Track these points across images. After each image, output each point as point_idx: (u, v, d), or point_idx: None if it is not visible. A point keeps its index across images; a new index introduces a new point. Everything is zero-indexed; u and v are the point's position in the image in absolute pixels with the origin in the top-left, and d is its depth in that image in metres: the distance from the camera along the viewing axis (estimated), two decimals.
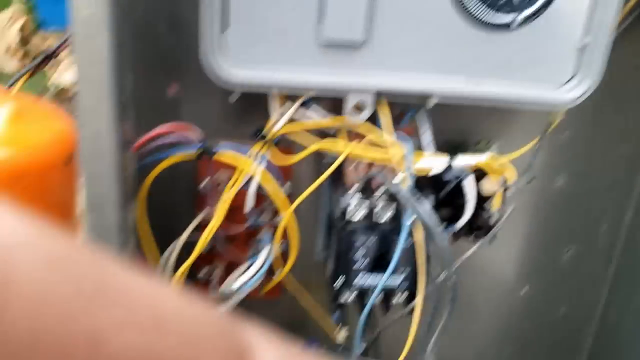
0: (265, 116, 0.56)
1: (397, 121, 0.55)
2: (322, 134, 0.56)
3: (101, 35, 0.39)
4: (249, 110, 0.58)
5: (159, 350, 0.08)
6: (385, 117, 0.52)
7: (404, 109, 0.55)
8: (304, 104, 0.53)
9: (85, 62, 0.40)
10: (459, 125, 0.61)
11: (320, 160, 0.58)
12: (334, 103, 0.55)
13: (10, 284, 0.07)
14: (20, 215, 0.07)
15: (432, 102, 0.50)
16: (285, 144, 0.55)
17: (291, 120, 0.53)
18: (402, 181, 0.51)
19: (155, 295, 0.08)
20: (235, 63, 0.48)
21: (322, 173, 0.57)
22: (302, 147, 0.56)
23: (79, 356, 0.07)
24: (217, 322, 0.08)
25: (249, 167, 0.52)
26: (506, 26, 0.49)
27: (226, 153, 0.52)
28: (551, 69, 0.51)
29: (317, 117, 0.53)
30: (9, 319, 0.07)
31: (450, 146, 0.61)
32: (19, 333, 0.07)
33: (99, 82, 0.40)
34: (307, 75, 0.49)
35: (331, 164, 0.54)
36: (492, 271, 0.68)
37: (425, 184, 0.55)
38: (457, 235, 0.57)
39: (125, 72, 0.43)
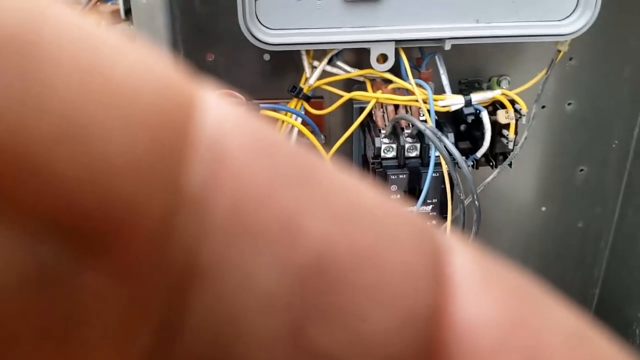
0: (296, 72, 0.62)
1: (416, 67, 0.61)
2: (346, 85, 0.62)
3: (158, 16, 0.45)
4: (280, 68, 0.64)
5: (353, 242, 0.08)
6: (406, 64, 0.57)
7: (422, 55, 0.60)
8: (330, 60, 0.59)
9: (147, 40, 0.46)
10: (471, 63, 0.66)
11: (346, 109, 0.64)
12: (356, 56, 0.61)
13: (220, 163, 0.07)
14: (229, 100, 0.08)
15: (448, 46, 0.56)
16: (314, 97, 0.62)
17: (321, 74, 0.59)
18: (426, 120, 0.57)
19: (355, 188, 0.08)
20: (268, 29, 0.54)
21: (351, 120, 0.63)
22: (330, 99, 0.62)
23: (272, 238, 0.07)
24: (414, 220, 0.08)
25: (289, 120, 0.59)
26: None
27: (269, 110, 0.58)
28: (553, 5, 0.56)
29: (343, 71, 0.59)
30: (212, 198, 0.07)
31: (465, 84, 0.67)
32: (219, 211, 0.07)
33: None
34: (333, 33, 0.55)
35: (361, 109, 0.60)
36: (512, 194, 0.75)
37: (444, 121, 0.61)
38: (478, 164, 0.64)
39: (178, 45, 0.49)
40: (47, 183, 0.06)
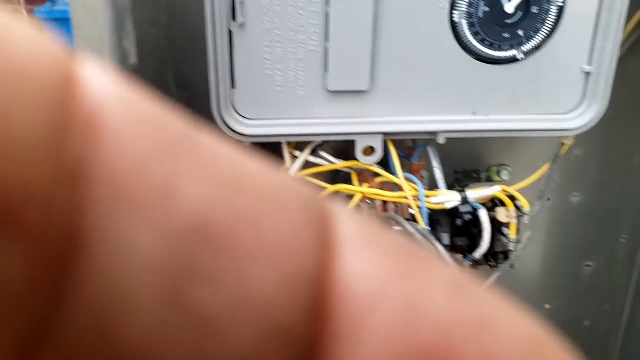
0: (277, 159, 0.57)
1: (407, 157, 0.56)
2: (330, 173, 0.57)
3: None
4: (260, 154, 0.59)
5: (235, 206, 0.07)
6: (395, 158, 0.52)
7: (414, 144, 0.56)
8: (313, 150, 0.54)
9: None
10: (468, 152, 0.61)
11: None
12: (341, 145, 0.56)
13: (98, 133, 0.07)
14: (113, 75, 0.08)
15: (441, 140, 0.51)
16: None
17: (304, 164, 0.54)
18: (417, 219, 0.52)
19: (238, 158, 0.08)
20: (245, 119, 0.49)
21: None
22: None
23: (148, 206, 0.07)
24: (300, 188, 0.08)
25: None
26: (512, 59, 0.49)
27: None
28: (558, 98, 0.51)
29: (327, 161, 0.54)
30: (90, 169, 0.07)
31: (461, 174, 0.62)
32: (97, 182, 0.07)
33: None
34: (316, 124, 0.50)
35: (347, 198, 0.55)
36: (515, 290, 0.69)
37: (438, 218, 0.55)
38: (477, 263, 0.58)
39: None
40: None
